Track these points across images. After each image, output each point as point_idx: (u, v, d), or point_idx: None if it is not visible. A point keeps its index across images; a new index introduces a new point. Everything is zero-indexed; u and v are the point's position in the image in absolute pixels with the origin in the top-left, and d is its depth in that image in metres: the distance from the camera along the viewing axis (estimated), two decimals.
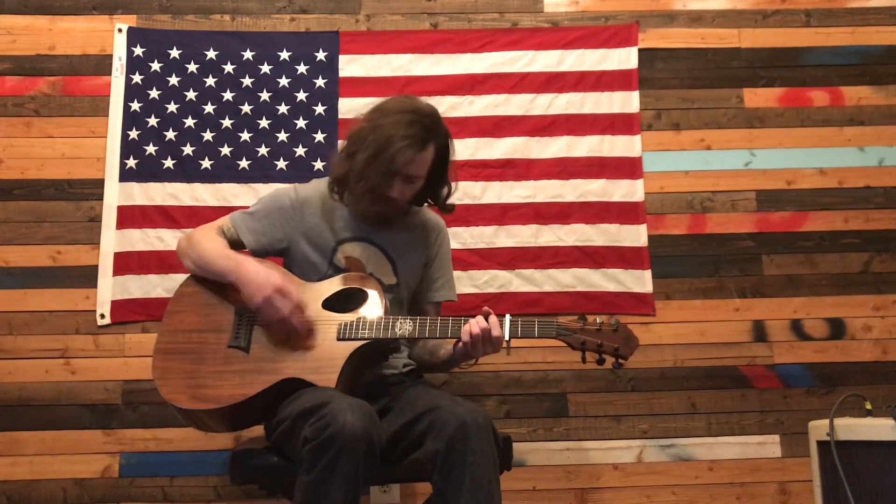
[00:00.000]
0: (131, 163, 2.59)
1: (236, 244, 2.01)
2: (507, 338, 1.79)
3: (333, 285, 1.92)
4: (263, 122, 2.64)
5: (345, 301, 1.89)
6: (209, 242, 1.94)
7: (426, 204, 2.11)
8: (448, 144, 1.98)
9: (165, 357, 1.85)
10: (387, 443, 1.73)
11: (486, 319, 1.79)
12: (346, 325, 1.83)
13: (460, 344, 1.82)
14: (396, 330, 1.82)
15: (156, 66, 2.66)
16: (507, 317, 1.81)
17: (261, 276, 1.82)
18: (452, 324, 1.82)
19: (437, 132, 1.93)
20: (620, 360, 1.78)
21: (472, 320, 1.79)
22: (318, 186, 2.08)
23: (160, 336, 1.89)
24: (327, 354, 1.80)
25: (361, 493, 1.60)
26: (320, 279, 1.96)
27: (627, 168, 2.65)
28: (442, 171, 2.02)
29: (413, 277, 2.08)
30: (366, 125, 1.93)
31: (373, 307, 1.87)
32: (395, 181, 1.91)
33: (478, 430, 1.63)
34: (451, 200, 2.09)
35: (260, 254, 2.02)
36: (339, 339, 1.82)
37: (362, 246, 2.02)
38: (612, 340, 1.78)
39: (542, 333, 1.80)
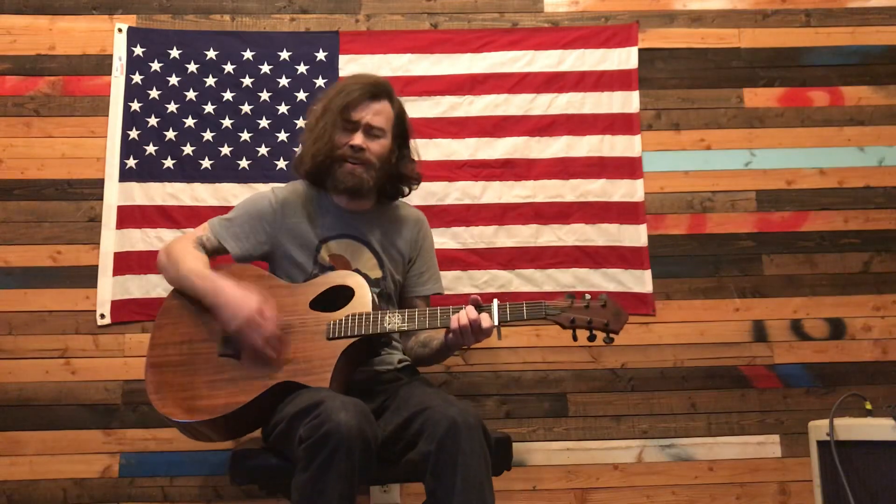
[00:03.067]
0: (131, 163, 2.59)
1: (218, 252, 2.00)
2: (496, 322, 1.78)
3: (320, 285, 1.91)
4: (263, 122, 2.64)
5: (332, 299, 1.88)
6: (188, 261, 1.91)
7: (402, 189, 2.15)
8: (404, 114, 2.08)
9: (158, 371, 1.84)
10: (384, 443, 1.73)
11: (476, 310, 1.79)
12: (334, 323, 1.83)
13: (451, 333, 1.83)
14: (386, 324, 1.81)
15: (156, 66, 2.66)
16: (496, 301, 1.81)
17: (237, 301, 1.79)
18: (441, 314, 1.82)
19: (389, 92, 2.05)
20: (612, 335, 1.78)
21: (460, 311, 1.79)
22: (296, 188, 2.09)
23: (151, 350, 1.88)
24: (318, 355, 1.80)
25: (358, 491, 1.59)
26: (306, 279, 1.96)
27: (627, 168, 2.65)
28: (405, 143, 2.09)
29: (398, 270, 2.08)
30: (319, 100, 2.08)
31: (360, 303, 1.86)
32: (355, 131, 1.97)
33: (468, 431, 1.62)
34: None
35: (243, 259, 2.01)
36: (328, 339, 1.82)
37: (346, 242, 2.03)
38: (601, 316, 1.78)
39: (531, 315, 1.80)
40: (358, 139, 1.96)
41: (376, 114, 1.99)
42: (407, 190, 2.15)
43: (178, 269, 1.91)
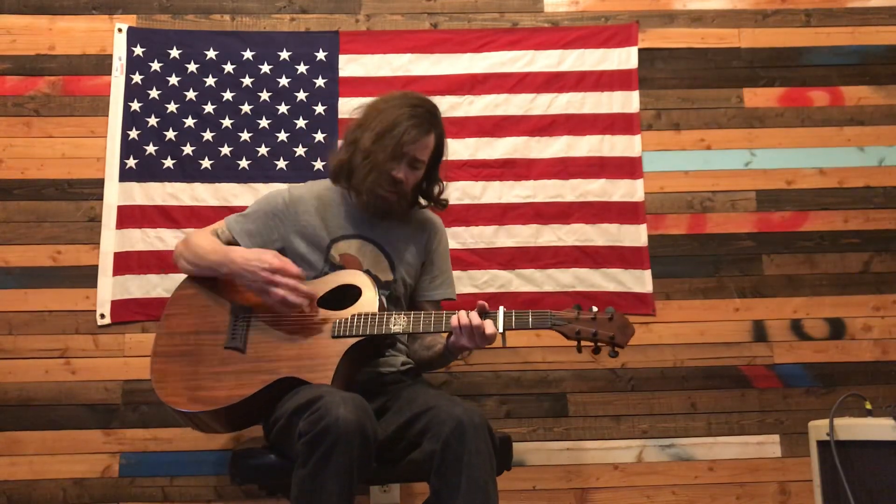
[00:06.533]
0: (131, 163, 2.59)
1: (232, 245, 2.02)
2: (500, 330, 1.78)
3: (328, 283, 1.92)
4: (263, 122, 2.64)
5: (340, 298, 1.89)
6: (202, 241, 1.97)
7: (420, 200, 2.14)
8: (444, 141, 2.05)
9: (163, 360, 1.86)
10: (385, 443, 1.74)
11: (480, 316, 1.78)
12: (340, 322, 1.84)
13: (453, 336, 1.82)
14: (391, 325, 1.82)
15: (156, 66, 2.66)
16: (501, 309, 1.81)
17: (252, 262, 1.84)
18: (446, 317, 1.82)
19: (438, 121, 2.01)
20: (616, 348, 1.76)
21: (461, 311, 1.80)
22: (313, 187, 2.11)
23: (157, 339, 1.90)
24: (322, 352, 1.81)
25: (357, 486, 1.60)
26: (316, 277, 1.97)
27: (627, 168, 2.65)
28: (436, 166, 2.08)
29: (410, 274, 2.08)
30: (370, 111, 2.01)
31: (367, 304, 1.87)
32: (402, 163, 1.96)
33: (474, 431, 1.63)
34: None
35: None
36: (333, 337, 1.82)
37: (358, 243, 2.03)
38: (607, 329, 1.76)
39: (536, 324, 1.80)
40: (401, 173, 1.96)
41: (424, 147, 1.98)
42: (425, 202, 2.14)
43: (193, 249, 1.96)
